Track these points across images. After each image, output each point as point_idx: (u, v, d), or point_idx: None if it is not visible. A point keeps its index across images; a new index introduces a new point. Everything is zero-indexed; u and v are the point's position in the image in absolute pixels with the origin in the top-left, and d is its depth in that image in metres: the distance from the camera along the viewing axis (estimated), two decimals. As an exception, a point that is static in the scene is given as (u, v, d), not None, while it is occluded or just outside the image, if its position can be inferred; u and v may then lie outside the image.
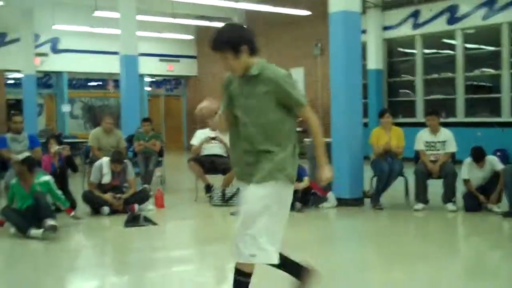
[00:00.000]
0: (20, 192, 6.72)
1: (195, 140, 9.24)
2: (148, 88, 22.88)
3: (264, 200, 3.22)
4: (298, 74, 18.16)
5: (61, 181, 7.75)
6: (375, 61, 16.08)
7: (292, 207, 7.76)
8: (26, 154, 7.73)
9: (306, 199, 8.11)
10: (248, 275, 3.31)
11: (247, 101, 3.32)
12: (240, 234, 3.21)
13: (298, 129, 3.73)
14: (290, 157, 3.34)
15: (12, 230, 6.48)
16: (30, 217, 6.51)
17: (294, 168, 3.36)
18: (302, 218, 7.67)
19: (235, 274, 3.31)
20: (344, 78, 8.38)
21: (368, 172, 8.56)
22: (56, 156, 8.22)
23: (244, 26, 3.48)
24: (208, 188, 8.88)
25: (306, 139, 9.15)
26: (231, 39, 3.24)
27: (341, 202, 8.27)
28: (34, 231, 6.34)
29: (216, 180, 9.02)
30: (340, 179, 8.21)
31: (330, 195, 8.29)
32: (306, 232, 7.21)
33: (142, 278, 4.89)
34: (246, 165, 3.35)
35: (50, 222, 6.36)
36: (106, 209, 7.78)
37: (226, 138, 8.99)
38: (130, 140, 10.61)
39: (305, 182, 8.06)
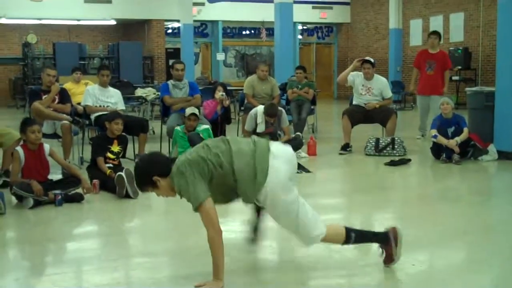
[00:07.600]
0: (182, 139, 7.13)
1: None
2: (299, 36, 22.88)
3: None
4: (458, 20, 17.21)
5: (220, 130, 8.04)
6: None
7: (450, 159, 7.54)
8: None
9: (465, 151, 7.76)
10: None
11: None
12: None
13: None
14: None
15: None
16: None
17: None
18: (459, 170, 7.40)
19: None
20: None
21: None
22: (220, 104, 8.51)
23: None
24: (345, 147, 8.64)
25: (467, 88, 8.69)
26: (142, 178, 3.52)
27: (503, 156, 7.81)
28: None
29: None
30: (503, 130, 7.79)
31: (491, 148, 7.86)
32: (461, 184, 6.98)
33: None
34: None
35: None
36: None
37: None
38: (283, 88, 10.71)
39: (465, 133, 7.72)
